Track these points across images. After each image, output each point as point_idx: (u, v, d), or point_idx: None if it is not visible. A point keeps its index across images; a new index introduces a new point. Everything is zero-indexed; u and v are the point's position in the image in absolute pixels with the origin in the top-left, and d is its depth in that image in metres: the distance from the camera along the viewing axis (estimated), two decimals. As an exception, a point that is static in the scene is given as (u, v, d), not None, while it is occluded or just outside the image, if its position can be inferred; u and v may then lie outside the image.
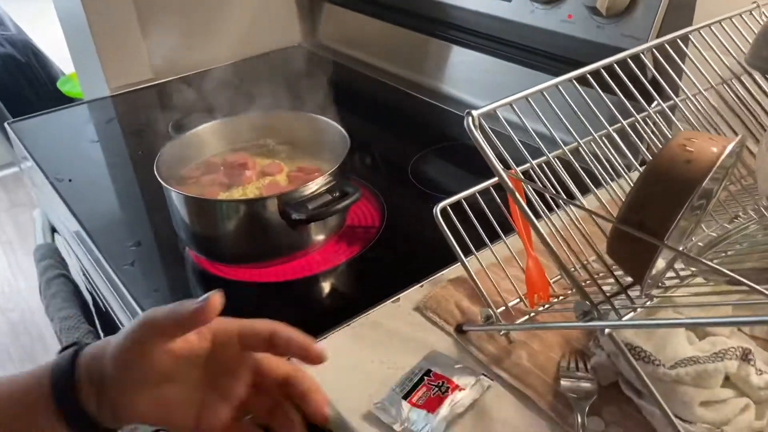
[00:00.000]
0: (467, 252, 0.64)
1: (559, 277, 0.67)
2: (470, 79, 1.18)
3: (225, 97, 1.00)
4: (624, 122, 0.62)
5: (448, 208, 0.66)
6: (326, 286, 0.78)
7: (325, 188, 0.74)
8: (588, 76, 0.60)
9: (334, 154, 0.87)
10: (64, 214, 0.97)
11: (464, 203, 0.67)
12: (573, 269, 0.56)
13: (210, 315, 0.46)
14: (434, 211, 0.65)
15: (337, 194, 0.74)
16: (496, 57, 1.10)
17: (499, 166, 0.53)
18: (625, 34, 0.84)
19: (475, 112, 0.54)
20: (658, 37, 0.72)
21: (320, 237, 0.78)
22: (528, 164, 0.58)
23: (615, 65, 0.62)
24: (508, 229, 0.66)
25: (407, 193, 0.93)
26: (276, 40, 1.53)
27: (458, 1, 1.12)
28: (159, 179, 0.75)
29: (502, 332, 0.62)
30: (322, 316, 0.71)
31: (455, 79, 1.21)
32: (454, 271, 0.74)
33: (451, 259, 0.76)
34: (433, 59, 1.26)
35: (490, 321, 0.61)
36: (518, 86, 0.57)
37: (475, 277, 0.64)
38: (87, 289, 1.10)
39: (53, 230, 1.25)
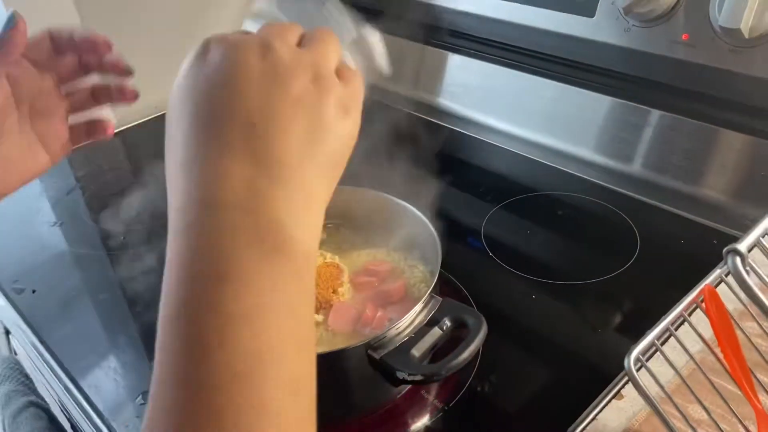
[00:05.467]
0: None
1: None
2: (483, 94, 0.98)
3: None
4: None
5: (641, 356, 0.45)
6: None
7: (426, 316, 0.52)
8: None
9: (407, 242, 0.65)
10: (21, 327, 0.73)
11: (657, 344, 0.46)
12: None
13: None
14: (626, 363, 0.44)
15: (449, 325, 0.52)
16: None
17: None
18: (773, 61, 0.65)
19: (742, 248, 0.34)
20: None
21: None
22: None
23: None
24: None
25: (488, 272, 0.72)
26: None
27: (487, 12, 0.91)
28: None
29: None
30: None
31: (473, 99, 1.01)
32: (614, 415, 0.54)
33: (599, 388, 0.56)
34: (433, 72, 1.06)
35: None
36: None
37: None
38: (65, 415, 0.85)
39: (7, 332, 0.98)
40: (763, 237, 0.36)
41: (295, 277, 0.29)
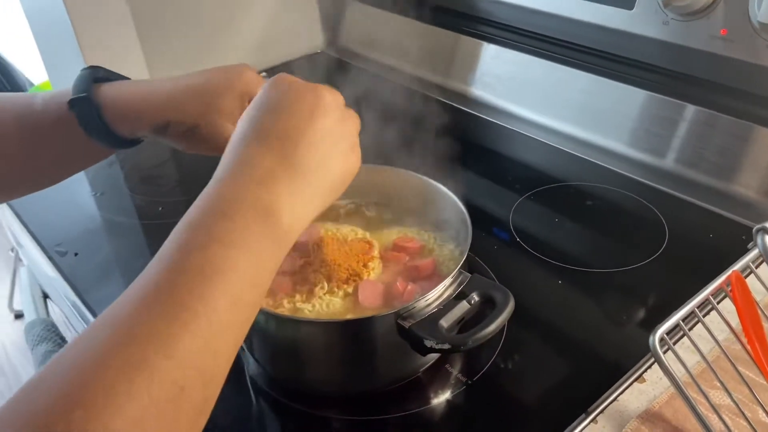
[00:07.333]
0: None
1: (814, 422, 0.48)
2: (523, 90, 0.98)
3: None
4: None
5: (665, 335, 0.46)
6: (447, 424, 0.57)
7: (455, 290, 0.53)
8: None
9: (437, 221, 0.66)
10: (62, 288, 0.76)
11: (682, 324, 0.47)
12: None
13: None
14: (651, 341, 0.45)
15: (477, 300, 0.53)
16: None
17: None
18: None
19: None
20: None
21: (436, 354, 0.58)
22: None
23: None
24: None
25: (515, 257, 0.73)
26: (296, 47, 1.30)
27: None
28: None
29: None
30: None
31: (505, 88, 1.02)
32: (635, 397, 0.55)
33: (621, 371, 0.57)
34: (467, 62, 1.07)
35: None
36: None
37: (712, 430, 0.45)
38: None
39: (45, 296, 1.02)
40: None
41: (266, 248, 0.36)
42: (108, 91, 0.52)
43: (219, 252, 0.34)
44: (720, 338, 0.51)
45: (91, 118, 0.51)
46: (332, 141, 0.42)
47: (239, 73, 0.53)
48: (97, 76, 0.53)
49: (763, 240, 0.36)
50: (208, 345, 0.32)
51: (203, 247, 0.34)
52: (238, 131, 0.41)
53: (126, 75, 0.56)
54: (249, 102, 0.52)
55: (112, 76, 0.54)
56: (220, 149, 0.52)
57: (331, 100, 0.43)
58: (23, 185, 0.57)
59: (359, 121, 0.46)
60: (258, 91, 0.53)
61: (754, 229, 0.37)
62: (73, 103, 0.51)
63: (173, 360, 0.30)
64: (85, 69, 0.53)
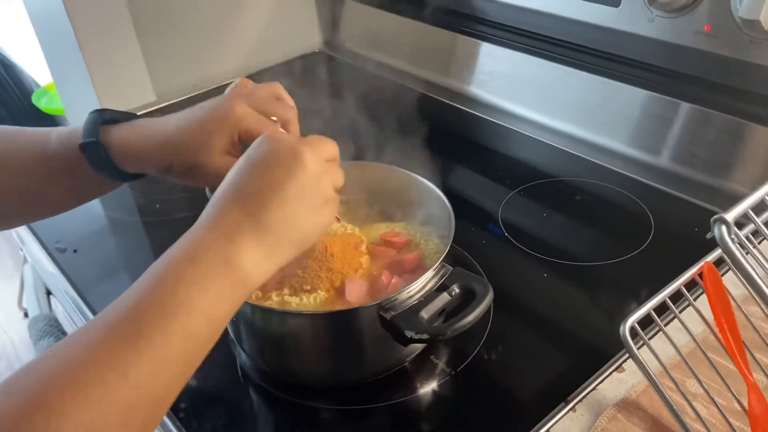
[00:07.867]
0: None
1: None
2: (516, 86, 0.99)
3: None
4: None
5: (636, 325, 0.47)
6: (433, 413, 0.59)
7: (437, 283, 0.55)
8: None
9: (424, 216, 0.68)
10: (62, 284, 0.78)
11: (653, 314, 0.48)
12: None
13: None
14: (621, 331, 0.47)
15: (457, 292, 0.54)
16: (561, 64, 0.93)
17: None
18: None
19: (728, 217, 0.36)
20: None
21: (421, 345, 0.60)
22: None
23: None
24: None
25: (502, 251, 0.75)
26: (294, 47, 1.32)
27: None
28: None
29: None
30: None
31: (499, 86, 1.04)
32: (613, 386, 0.56)
33: (601, 361, 0.58)
34: (461, 60, 1.09)
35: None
36: None
37: (682, 418, 0.46)
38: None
39: (48, 292, 1.04)
40: (752, 208, 0.38)
41: (224, 292, 0.41)
42: (114, 135, 0.55)
43: (182, 290, 0.39)
44: (698, 330, 0.52)
45: (100, 160, 0.55)
46: (303, 199, 0.45)
47: (231, 110, 0.54)
48: (104, 118, 0.56)
49: (720, 230, 0.37)
50: (159, 371, 0.36)
51: (170, 284, 0.39)
52: (223, 184, 0.46)
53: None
54: (240, 136, 0.54)
55: (118, 117, 0.58)
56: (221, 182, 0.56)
57: (310, 159, 0.45)
58: (42, 211, 0.63)
59: (341, 175, 0.49)
60: (249, 125, 0.54)
61: (711, 219, 0.39)
62: (83, 147, 0.55)
63: (126, 381, 0.35)
64: (93, 112, 0.57)
